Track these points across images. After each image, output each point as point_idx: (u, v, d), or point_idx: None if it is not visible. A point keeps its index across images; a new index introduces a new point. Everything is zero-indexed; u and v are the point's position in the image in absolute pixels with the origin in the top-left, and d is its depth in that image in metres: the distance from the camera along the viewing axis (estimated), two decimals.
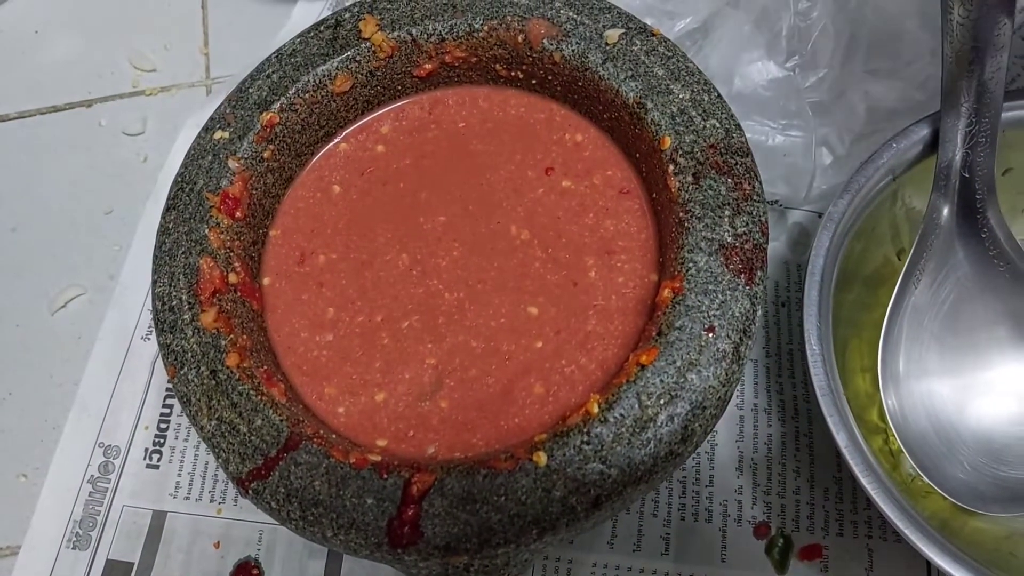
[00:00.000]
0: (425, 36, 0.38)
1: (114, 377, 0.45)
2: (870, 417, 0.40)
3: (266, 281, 0.38)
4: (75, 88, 0.55)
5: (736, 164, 0.34)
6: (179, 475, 0.43)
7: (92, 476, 0.43)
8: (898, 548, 0.41)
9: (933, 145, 0.38)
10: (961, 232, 0.39)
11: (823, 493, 0.42)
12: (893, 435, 0.39)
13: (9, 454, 0.45)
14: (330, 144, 0.40)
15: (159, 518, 0.42)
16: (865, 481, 0.34)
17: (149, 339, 0.46)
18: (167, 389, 0.45)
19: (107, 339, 0.46)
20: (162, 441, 0.44)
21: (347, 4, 0.54)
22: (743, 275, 0.33)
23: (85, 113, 0.54)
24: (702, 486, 0.42)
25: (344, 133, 0.40)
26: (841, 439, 0.34)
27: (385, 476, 0.31)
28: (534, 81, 0.40)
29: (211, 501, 0.42)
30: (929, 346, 0.40)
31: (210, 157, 0.37)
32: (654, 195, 0.37)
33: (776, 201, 0.46)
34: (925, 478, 0.38)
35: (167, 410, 0.45)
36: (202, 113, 0.51)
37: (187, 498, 0.43)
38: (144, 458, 0.44)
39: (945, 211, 0.38)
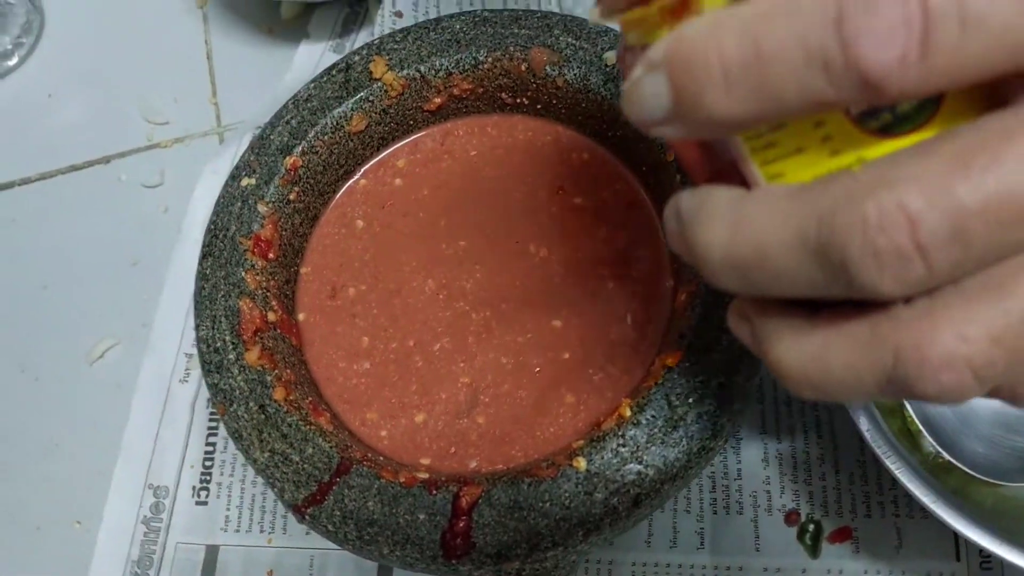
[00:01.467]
0: (433, 72, 0.41)
1: (156, 421, 0.47)
2: (886, 401, 0.42)
3: (301, 317, 0.40)
4: (92, 146, 0.56)
5: None
6: (228, 509, 0.45)
7: (145, 517, 0.44)
8: (925, 524, 0.42)
9: None
10: None
11: (848, 477, 0.43)
12: (911, 416, 0.40)
13: (62, 503, 0.46)
14: (350, 181, 0.42)
15: (212, 552, 0.44)
16: (889, 462, 0.36)
17: (186, 382, 0.48)
18: (208, 428, 0.47)
19: (146, 385, 0.48)
20: (208, 478, 0.46)
21: (350, 46, 0.56)
22: None
23: (104, 170, 0.56)
24: (731, 479, 0.44)
25: (363, 170, 0.42)
26: (863, 423, 0.36)
27: (434, 492, 0.33)
28: (539, 106, 0.42)
29: (261, 532, 0.44)
30: None
31: (240, 203, 0.39)
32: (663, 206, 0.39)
33: None
34: (945, 455, 0.40)
35: (210, 448, 0.46)
36: (218, 160, 0.53)
37: (237, 531, 0.44)
38: (193, 496, 0.45)
39: None
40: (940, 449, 0.40)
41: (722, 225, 0.20)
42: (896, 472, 0.36)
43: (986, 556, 0.42)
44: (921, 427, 0.40)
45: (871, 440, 0.36)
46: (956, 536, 0.42)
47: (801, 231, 0.18)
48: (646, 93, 0.19)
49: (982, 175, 0.16)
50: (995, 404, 0.41)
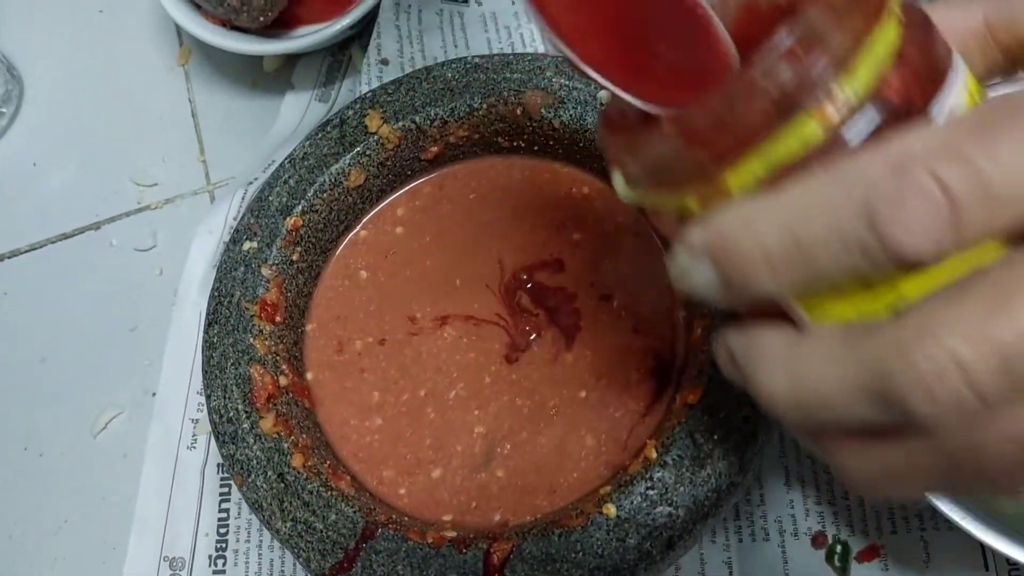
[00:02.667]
0: (428, 122, 0.40)
1: (167, 490, 0.46)
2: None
3: (310, 376, 0.39)
4: (81, 213, 0.56)
5: None
6: None
7: None
8: (951, 536, 0.42)
9: None
10: None
11: None
12: None
13: None
14: (351, 233, 0.42)
15: None
16: None
17: (194, 448, 0.47)
18: (220, 494, 0.46)
19: (154, 454, 0.47)
20: (224, 545, 0.45)
21: (335, 94, 0.56)
22: None
23: (94, 236, 0.55)
24: (754, 506, 0.43)
25: (363, 221, 0.42)
26: None
27: (464, 550, 0.32)
28: (536, 148, 0.41)
29: None
30: None
31: (243, 268, 0.38)
32: None
33: None
34: None
35: (224, 515, 0.45)
36: (211, 219, 0.52)
37: None
38: (209, 565, 0.44)
39: None
40: None
41: (782, 374, 0.21)
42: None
43: (1015, 564, 0.42)
44: None
45: None
46: (983, 547, 0.42)
47: (858, 381, 0.19)
48: (696, 279, 0.21)
49: (1017, 312, 0.17)
50: None
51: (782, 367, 0.21)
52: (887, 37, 0.20)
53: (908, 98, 0.20)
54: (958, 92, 0.21)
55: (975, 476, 0.20)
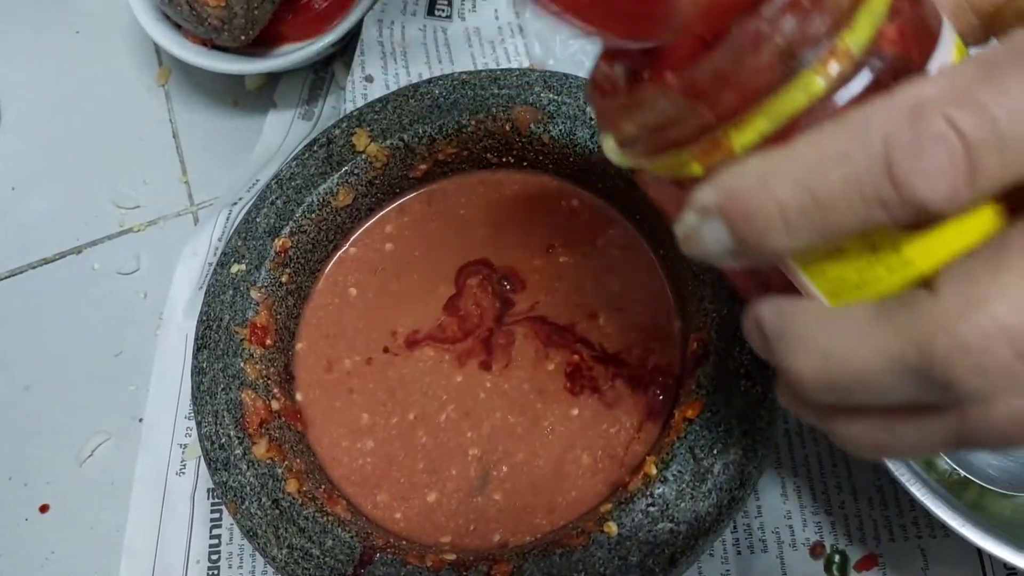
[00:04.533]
0: (416, 139, 0.40)
1: (157, 518, 0.45)
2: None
3: (299, 396, 0.39)
4: (62, 237, 0.55)
5: None
6: None
7: None
8: (948, 542, 0.42)
9: None
10: None
11: (868, 503, 0.43)
12: None
13: None
14: (340, 251, 0.41)
15: None
16: (909, 484, 0.36)
17: (183, 474, 0.46)
18: (212, 520, 0.45)
19: (143, 481, 0.46)
20: (216, 572, 0.44)
21: (319, 112, 0.55)
22: None
23: (76, 260, 0.54)
24: (751, 517, 0.43)
25: (352, 238, 0.42)
26: None
27: (464, 573, 0.32)
28: (525, 163, 0.41)
29: None
30: None
31: (231, 291, 0.38)
32: (662, 251, 0.38)
33: None
34: (960, 471, 0.40)
35: (215, 541, 0.45)
36: (196, 241, 0.52)
37: None
38: None
39: None
40: (954, 466, 0.40)
41: (812, 353, 0.21)
42: (917, 494, 0.35)
43: (1012, 570, 0.42)
44: None
45: (890, 463, 0.36)
46: (980, 552, 0.42)
47: (897, 358, 0.19)
48: (707, 239, 0.20)
49: None
50: None
51: (813, 345, 0.21)
52: None
53: (907, 53, 0.20)
54: (949, 51, 0.21)
55: (997, 441, 0.19)
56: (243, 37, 0.50)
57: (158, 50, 0.60)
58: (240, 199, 0.52)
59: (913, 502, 0.43)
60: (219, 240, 0.50)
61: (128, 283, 0.53)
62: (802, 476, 0.44)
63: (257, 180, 0.52)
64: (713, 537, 0.32)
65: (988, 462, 0.41)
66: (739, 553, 0.43)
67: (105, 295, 0.53)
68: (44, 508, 0.47)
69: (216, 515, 0.45)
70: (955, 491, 0.39)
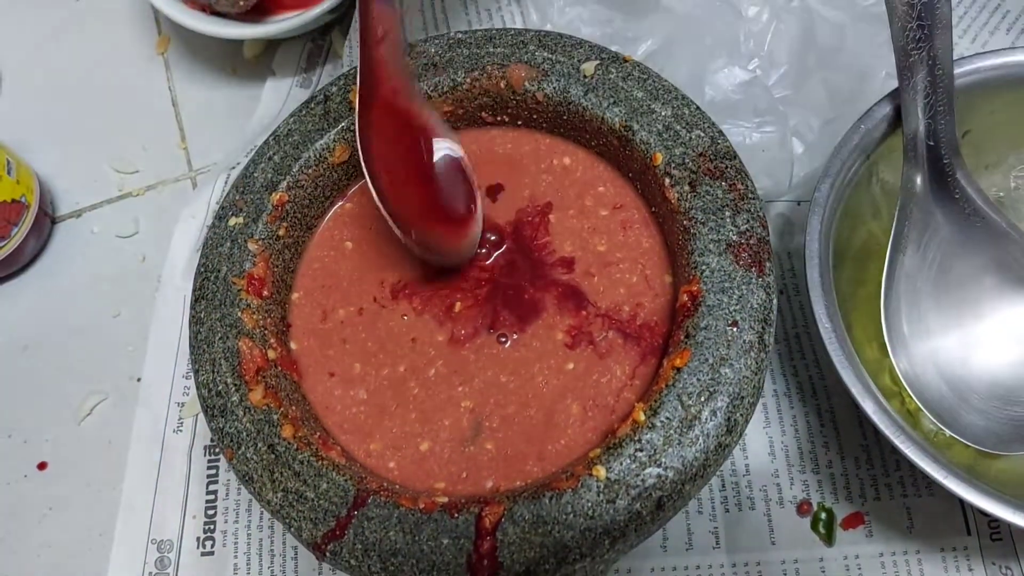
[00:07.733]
0: None
1: (154, 474, 0.46)
2: (883, 383, 0.42)
3: (294, 345, 0.39)
4: (62, 200, 0.56)
5: (727, 167, 0.37)
6: (235, 557, 0.44)
7: (151, 573, 0.43)
8: (933, 501, 0.43)
9: (897, 120, 0.41)
10: (936, 197, 0.41)
11: (854, 462, 0.44)
12: (909, 395, 0.41)
13: (61, 567, 0.45)
14: (336, 206, 0.42)
15: None
16: (898, 441, 0.36)
17: (180, 431, 0.47)
18: (208, 476, 0.46)
19: (141, 439, 0.47)
20: (212, 527, 0.45)
21: (316, 80, 0.56)
22: (754, 268, 0.35)
23: (76, 224, 0.55)
24: (740, 476, 0.44)
25: (348, 194, 0.42)
26: (868, 407, 0.36)
27: (456, 515, 0.32)
28: (520, 122, 0.42)
29: None
30: (927, 307, 0.42)
31: (229, 243, 0.38)
32: (653, 208, 0.39)
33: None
34: (947, 431, 0.40)
35: (212, 497, 0.45)
36: (194, 205, 0.52)
37: None
38: (198, 547, 0.44)
39: (918, 180, 0.41)
40: (941, 426, 0.40)
41: None
42: (906, 450, 0.36)
43: (995, 527, 0.42)
44: (920, 405, 0.40)
45: (879, 422, 0.36)
46: (964, 511, 0.43)
47: None
48: None
49: None
50: (990, 376, 0.42)
51: None
52: None
53: None
54: None
55: None
56: (241, 2, 0.51)
57: (158, 18, 0.61)
58: (238, 164, 0.52)
59: (899, 462, 0.43)
60: (217, 203, 0.51)
61: (127, 246, 0.54)
62: (789, 436, 0.44)
63: (255, 146, 0.53)
64: (700, 483, 0.33)
65: (974, 423, 0.41)
66: (727, 511, 0.43)
67: (104, 258, 0.54)
68: (42, 465, 0.48)
69: (212, 471, 0.46)
70: (941, 451, 0.40)
